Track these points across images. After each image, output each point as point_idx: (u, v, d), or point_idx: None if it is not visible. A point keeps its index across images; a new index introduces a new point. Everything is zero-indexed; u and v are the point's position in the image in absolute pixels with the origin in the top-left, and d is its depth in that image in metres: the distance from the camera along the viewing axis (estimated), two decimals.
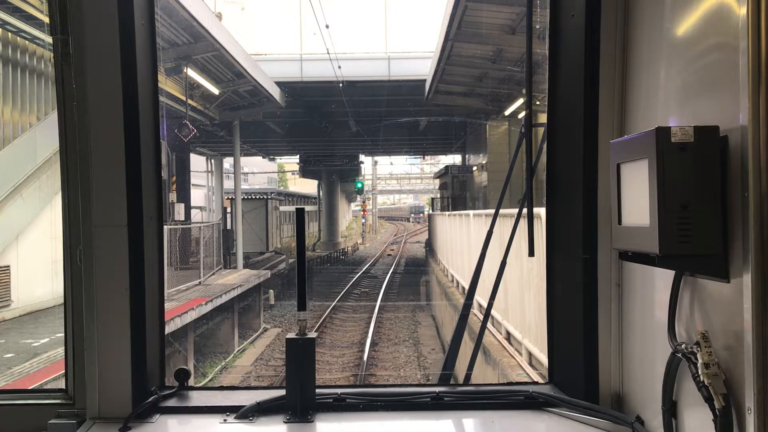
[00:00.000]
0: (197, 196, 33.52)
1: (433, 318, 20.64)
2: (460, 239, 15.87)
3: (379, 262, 38.42)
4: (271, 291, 23.88)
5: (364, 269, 33.94)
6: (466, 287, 11.47)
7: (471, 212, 14.91)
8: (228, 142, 28.27)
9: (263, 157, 49.08)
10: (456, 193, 32.46)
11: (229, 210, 33.41)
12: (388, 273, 31.87)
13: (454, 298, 15.44)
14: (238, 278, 20.03)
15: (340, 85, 24.67)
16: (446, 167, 37.26)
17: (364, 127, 31.68)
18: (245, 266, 25.96)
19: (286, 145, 40.29)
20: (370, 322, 19.48)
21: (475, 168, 30.33)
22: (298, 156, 45.06)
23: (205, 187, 34.31)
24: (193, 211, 29.40)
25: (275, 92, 25.07)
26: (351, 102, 26.96)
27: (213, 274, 20.11)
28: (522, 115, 2.64)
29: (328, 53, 23.14)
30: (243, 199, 34.79)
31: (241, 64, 19.97)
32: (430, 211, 52.34)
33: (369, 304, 23.18)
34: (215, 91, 21.90)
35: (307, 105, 28.88)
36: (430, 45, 23.49)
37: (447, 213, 23.87)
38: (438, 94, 24.30)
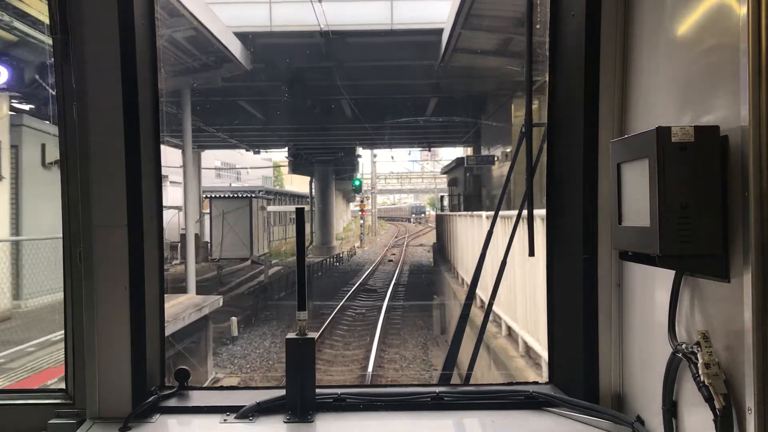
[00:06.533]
0: (177, 195, 27.76)
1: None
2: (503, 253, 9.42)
3: (378, 271, 32.83)
4: (234, 319, 17.80)
5: (360, 281, 27.38)
6: (513, 326, 9.00)
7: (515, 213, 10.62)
8: (201, 131, 23.44)
9: (246, 150, 42.48)
10: (469, 189, 27.82)
11: (207, 211, 29.70)
12: (389, 286, 25.37)
13: (490, 339, 9.70)
14: (173, 309, 13.34)
15: (325, 34, 17.36)
16: (458, 159, 32.56)
17: (360, 108, 24.78)
18: (211, 280, 21.38)
19: (270, 134, 33.03)
20: (368, 360, 14.48)
21: (497, 158, 23.87)
22: (286, 149, 39.10)
23: (184, 185, 29.75)
24: (170, 213, 23.45)
25: (235, 47, 18.03)
26: (342, 72, 19.97)
27: None
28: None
29: None
30: (224, 197, 31.55)
31: None
32: (436, 211, 48.75)
33: (366, 332, 17.47)
34: None
35: (283, 72, 21.01)
36: None
37: (468, 213, 17.93)
38: (458, 52, 17.68)
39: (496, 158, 24.25)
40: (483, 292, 10.20)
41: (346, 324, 18.73)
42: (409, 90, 23.36)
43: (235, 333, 17.58)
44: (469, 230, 15.71)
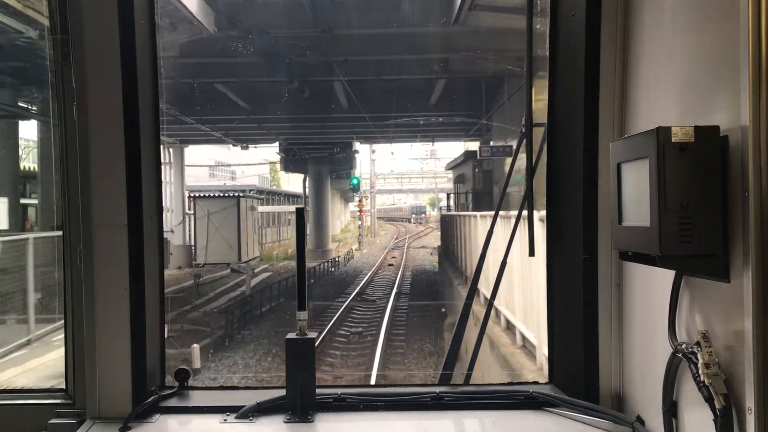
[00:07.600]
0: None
1: None
2: None
3: (377, 277, 29.60)
4: (196, 347, 13.60)
5: (356, 291, 24.12)
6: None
7: None
8: (180, 122, 21.13)
9: (234, 145, 38.53)
10: (479, 186, 25.35)
11: (192, 211, 27.86)
12: (389, 297, 22.12)
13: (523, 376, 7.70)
14: None
15: None
16: (468, 152, 29.46)
17: (356, 93, 21.29)
18: (187, 290, 18.67)
19: (257, 126, 28.78)
20: None
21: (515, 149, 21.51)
22: (277, 144, 35.78)
23: (168, 183, 28.43)
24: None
25: (192, 2, 14.06)
26: (332, 44, 16.23)
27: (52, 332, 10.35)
28: None
29: None
30: (210, 197, 29.48)
31: None
32: (439, 211, 46.85)
33: (363, 358, 14.85)
34: None
35: (261, 44, 16.90)
36: None
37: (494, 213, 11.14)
38: (475, 11, 14.43)
39: (513, 150, 21.51)
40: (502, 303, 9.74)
41: (339, 346, 16.01)
42: (412, 69, 19.70)
43: (197, 365, 13.53)
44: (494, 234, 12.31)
